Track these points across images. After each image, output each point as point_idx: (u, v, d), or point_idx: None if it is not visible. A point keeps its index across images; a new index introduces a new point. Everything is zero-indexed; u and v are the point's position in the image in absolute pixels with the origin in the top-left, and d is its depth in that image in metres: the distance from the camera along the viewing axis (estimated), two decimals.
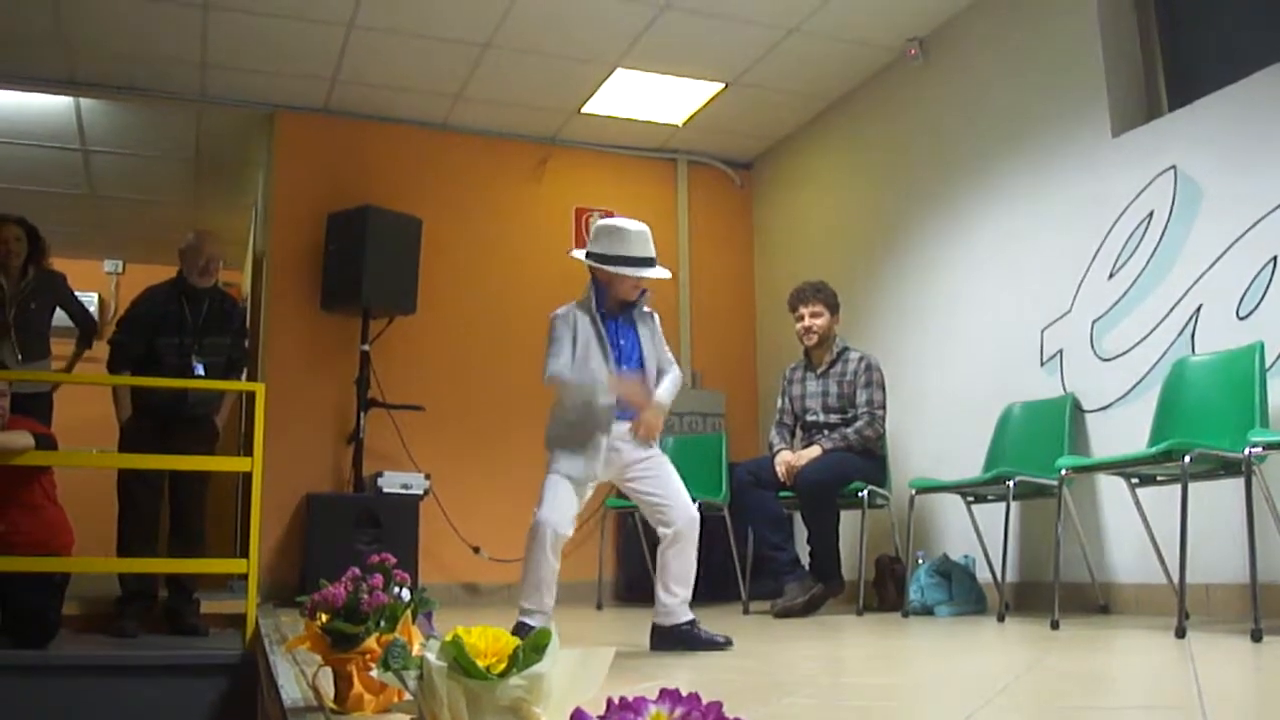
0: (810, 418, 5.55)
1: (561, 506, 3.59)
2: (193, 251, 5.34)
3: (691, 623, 3.60)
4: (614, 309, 3.71)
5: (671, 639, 3.56)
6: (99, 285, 9.51)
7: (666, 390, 3.73)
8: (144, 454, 5.05)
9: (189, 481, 5.23)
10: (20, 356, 5.28)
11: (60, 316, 5.67)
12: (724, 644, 3.52)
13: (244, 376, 5.88)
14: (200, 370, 5.18)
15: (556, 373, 3.62)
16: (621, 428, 3.64)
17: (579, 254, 3.70)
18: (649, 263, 3.63)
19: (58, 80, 6.48)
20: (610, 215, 7.59)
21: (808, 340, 5.58)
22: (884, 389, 5.50)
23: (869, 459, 5.45)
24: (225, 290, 5.63)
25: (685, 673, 2.89)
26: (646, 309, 3.78)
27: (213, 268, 5.34)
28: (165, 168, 8.01)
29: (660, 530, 3.62)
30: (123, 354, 5.26)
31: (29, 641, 4.47)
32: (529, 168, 7.44)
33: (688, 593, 3.62)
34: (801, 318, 5.56)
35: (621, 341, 3.70)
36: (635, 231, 3.63)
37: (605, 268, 3.62)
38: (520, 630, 3.31)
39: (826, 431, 5.46)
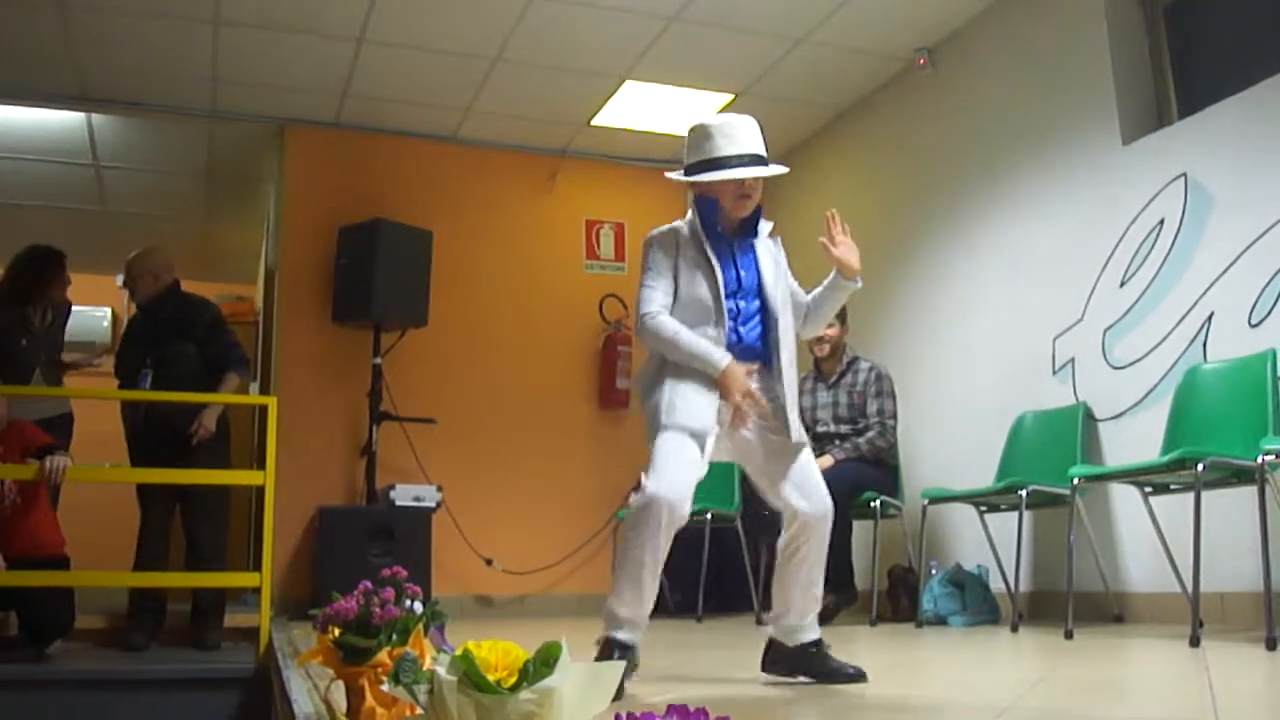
0: (821, 428, 5.54)
1: (681, 476, 2.68)
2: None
3: (820, 643, 2.86)
4: (730, 229, 2.93)
5: (796, 662, 2.86)
6: (112, 300, 9.54)
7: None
8: (149, 469, 5.07)
9: (194, 499, 5.18)
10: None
11: None
12: (860, 675, 2.79)
13: (247, 372, 5.57)
14: (145, 384, 5.14)
15: (655, 324, 2.83)
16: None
17: (674, 175, 2.97)
18: (750, 160, 2.84)
19: (70, 96, 6.52)
20: (617, 224, 7.64)
21: (819, 351, 5.58)
22: (895, 399, 5.50)
23: (881, 469, 5.45)
24: (187, 297, 5.45)
25: (694, 686, 2.89)
26: (768, 234, 3.01)
27: (139, 285, 5.34)
28: (177, 183, 8.05)
29: (789, 516, 2.83)
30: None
31: (42, 637, 4.49)
32: (539, 180, 7.46)
33: (819, 601, 2.90)
34: None
35: (741, 271, 2.90)
36: (720, 125, 2.87)
37: (690, 179, 2.89)
38: (611, 648, 2.70)
39: (838, 442, 5.46)
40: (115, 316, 9.59)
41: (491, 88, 6.55)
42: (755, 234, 2.95)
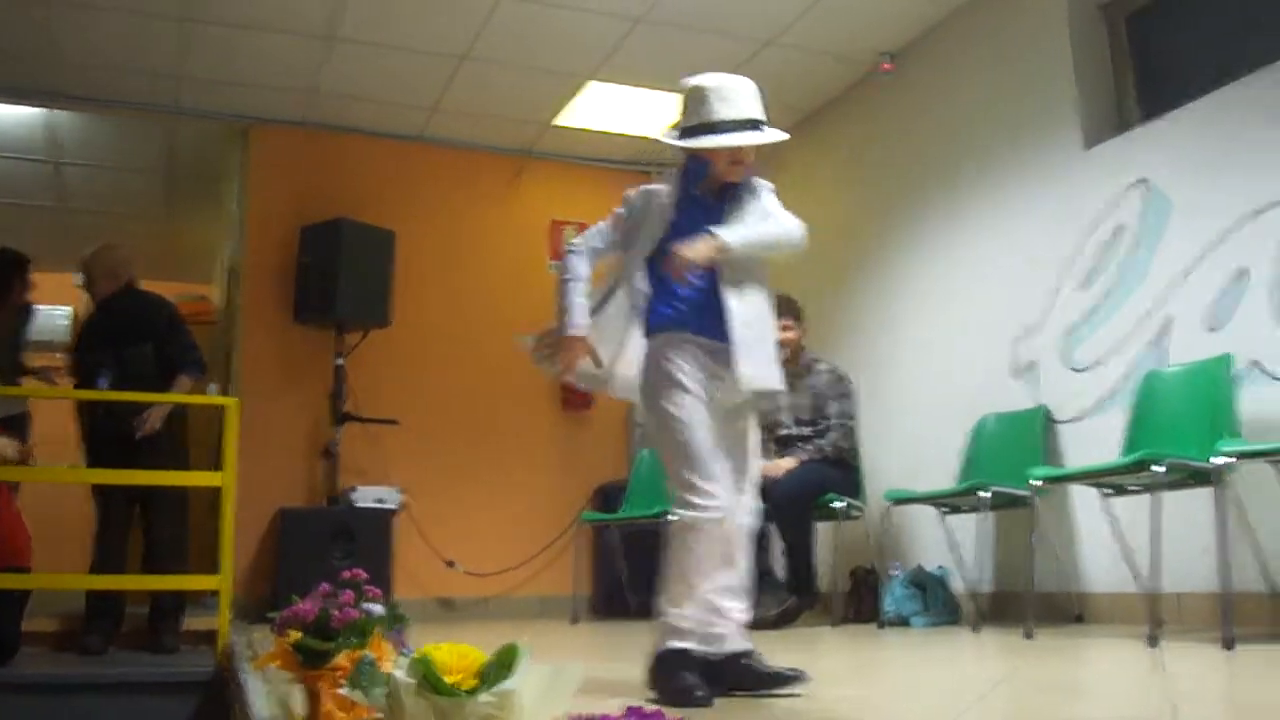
0: (782, 431, 5.55)
1: (718, 463, 2.64)
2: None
3: (750, 653, 2.64)
4: (713, 192, 2.81)
5: (725, 676, 2.60)
6: (70, 299, 9.39)
7: (745, 233, 2.74)
8: (107, 470, 5.00)
9: (153, 500, 5.11)
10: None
11: None
12: (799, 676, 2.58)
13: (202, 375, 5.39)
14: (103, 383, 5.05)
15: (569, 260, 2.79)
16: (726, 355, 2.76)
17: (666, 138, 2.82)
18: (746, 125, 2.74)
19: (28, 91, 6.43)
20: (581, 225, 7.62)
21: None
22: (854, 400, 5.52)
23: (843, 470, 5.47)
24: (144, 295, 5.38)
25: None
26: (757, 183, 2.91)
27: (98, 283, 5.27)
28: (137, 180, 7.97)
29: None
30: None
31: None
32: (504, 180, 7.44)
33: (742, 612, 2.67)
34: None
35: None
36: (717, 88, 2.74)
37: (679, 144, 2.75)
38: (680, 660, 2.56)
39: (800, 444, 5.47)
40: (75, 316, 9.46)
41: (457, 87, 6.52)
42: (739, 192, 2.83)
